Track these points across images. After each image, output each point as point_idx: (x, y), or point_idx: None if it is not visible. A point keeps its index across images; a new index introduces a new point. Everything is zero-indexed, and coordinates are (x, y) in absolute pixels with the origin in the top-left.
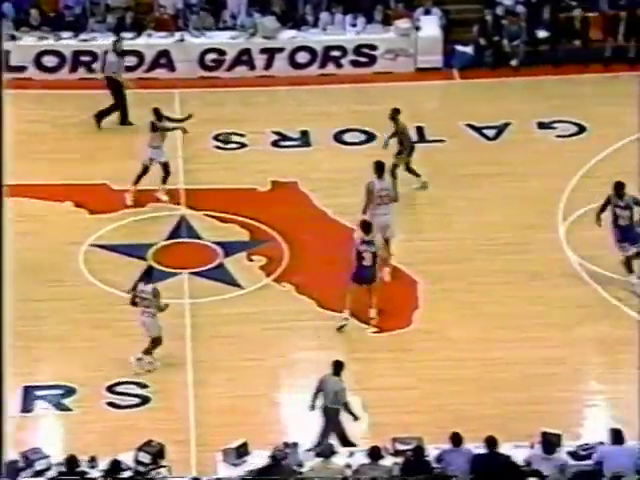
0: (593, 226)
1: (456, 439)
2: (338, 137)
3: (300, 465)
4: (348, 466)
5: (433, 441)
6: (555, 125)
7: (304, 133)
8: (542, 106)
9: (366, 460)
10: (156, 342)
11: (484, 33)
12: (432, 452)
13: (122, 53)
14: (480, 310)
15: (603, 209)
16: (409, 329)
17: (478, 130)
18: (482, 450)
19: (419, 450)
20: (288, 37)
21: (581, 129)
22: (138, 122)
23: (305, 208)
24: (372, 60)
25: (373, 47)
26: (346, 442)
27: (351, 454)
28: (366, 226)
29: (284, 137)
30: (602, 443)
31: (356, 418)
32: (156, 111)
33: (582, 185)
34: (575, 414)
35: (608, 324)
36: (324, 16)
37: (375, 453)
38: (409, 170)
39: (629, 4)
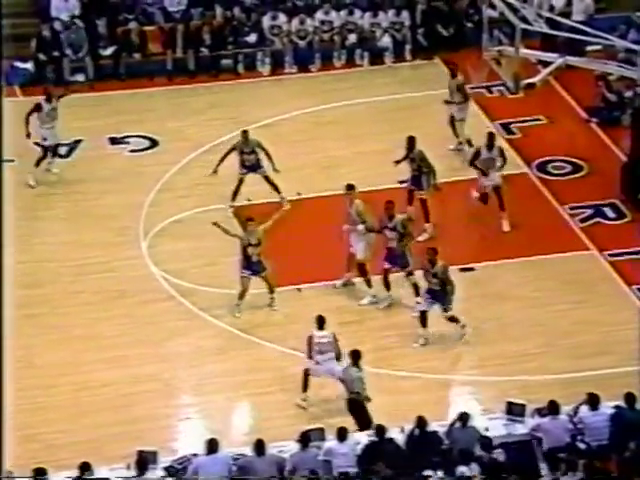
0: (173, 240)
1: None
2: None
3: None
4: None
5: (24, 473)
6: (128, 140)
7: None
8: (113, 121)
9: None
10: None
11: (43, 48)
12: None
13: None
14: (68, 333)
15: None
16: None
17: None
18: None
19: None
20: None
21: (154, 143)
22: None
23: None
24: None
25: None
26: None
27: None
28: None
29: None
30: (196, 455)
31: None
32: None
33: (160, 199)
34: (170, 429)
35: (196, 335)
36: None
37: None
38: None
39: (183, 17)
